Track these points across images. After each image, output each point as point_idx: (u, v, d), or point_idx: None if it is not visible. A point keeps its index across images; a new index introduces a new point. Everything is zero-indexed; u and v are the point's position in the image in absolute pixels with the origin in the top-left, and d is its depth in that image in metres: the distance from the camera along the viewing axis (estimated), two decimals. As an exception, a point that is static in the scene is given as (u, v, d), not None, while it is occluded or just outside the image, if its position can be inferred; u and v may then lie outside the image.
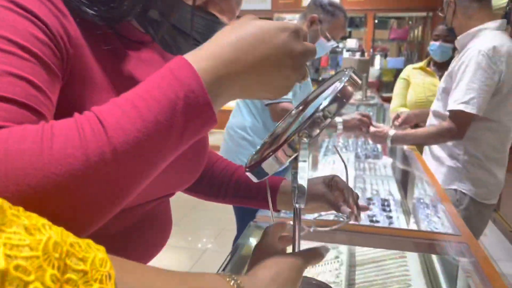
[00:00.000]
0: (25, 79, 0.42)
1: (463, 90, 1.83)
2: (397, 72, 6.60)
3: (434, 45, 2.73)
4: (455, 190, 1.96)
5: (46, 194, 0.36)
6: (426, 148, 2.21)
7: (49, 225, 0.29)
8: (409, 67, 2.96)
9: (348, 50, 6.38)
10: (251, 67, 0.47)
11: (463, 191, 1.95)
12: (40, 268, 0.26)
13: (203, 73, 0.45)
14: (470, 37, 1.90)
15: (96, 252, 0.31)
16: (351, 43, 6.31)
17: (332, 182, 0.80)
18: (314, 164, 2.43)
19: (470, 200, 1.94)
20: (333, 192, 0.79)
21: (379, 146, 2.74)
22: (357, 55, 5.42)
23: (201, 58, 0.46)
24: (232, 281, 0.47)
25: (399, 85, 2.96)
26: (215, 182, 0.87)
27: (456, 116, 1.85)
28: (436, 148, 2.08)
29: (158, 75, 0.44)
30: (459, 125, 1.86)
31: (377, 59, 6.33)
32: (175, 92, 0.43)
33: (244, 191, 0.85)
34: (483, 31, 1.87)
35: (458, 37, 1.97)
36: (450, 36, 2.56)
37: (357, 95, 3.81)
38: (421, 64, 2.90)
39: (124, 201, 0.43)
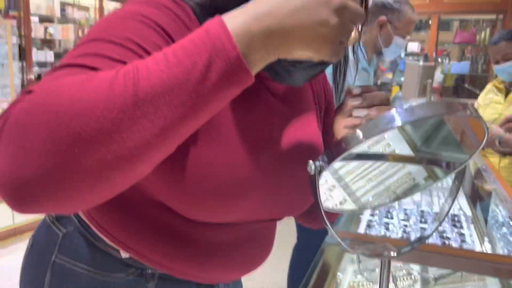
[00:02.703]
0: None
1: None
2: (459, 77, 6.31)
3: (497, 69, 2.45)
4: None
5: (75, 113, 0.40)
6: None
7: None
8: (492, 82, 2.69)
9: (408, 54, 6.16)
10: (284, 19, 0.46)
11: None
12: None
13: (233, 24, 0.45)
14: None
15: None
16: (413, 46, 6.10)
17: None
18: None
19: None
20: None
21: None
22: (421, 61, 5.23)
23: (234, 14, 0.47)
24: None
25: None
26: None
27: None
28: None
29: (193, 32, 0.46)
30: None
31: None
32: (202, 40, 0.44)
33: None
34: None
35: None
36: (510, 52, 2.32)
37: (420, 101, 3.67)
38: (494, 81, 2.63)
39: (149, 143, 0.44)
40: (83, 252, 0.72)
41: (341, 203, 0.64)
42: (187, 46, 0.44)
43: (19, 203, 0.42)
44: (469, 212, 1.80)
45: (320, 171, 0.49)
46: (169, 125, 0.43)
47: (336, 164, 0.61)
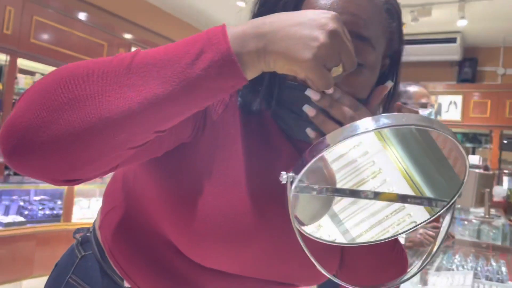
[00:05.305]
0: None
1: None
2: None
3: None
4: None
5: (75, 76, 0.48)
6: None
7: None
8: None
9: (470, 167, 5.96)
10: (279, 29, 0.50)
11: None
12: None
13: (231, 29, 0.50)
14: None
15: None
16: (474, 159, 5.91)
17: None
18: (423, 281, 2.18)
19: None
20: None
21: (503, 268, 2.38)
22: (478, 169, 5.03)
23: (239, 25, 0.52)
24: None
25: None
26: None
27: None
28: None
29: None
30: None
31: (506, 179, 5.78)
32: (201, 36, 0.49)
33: None
34: None
35: None
36: None
37: (478, 211, 3.45)
38: None
39: (130, 110, 0.47)
40: (93, 275, 0.75)
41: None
42: (187, 40, 0.50)
43: (9, 151, 0.46)
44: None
45: (292, 182, 0.49)
46: (151, 97, 0.47)
47: (342, 215, 0.60)
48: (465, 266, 2.48)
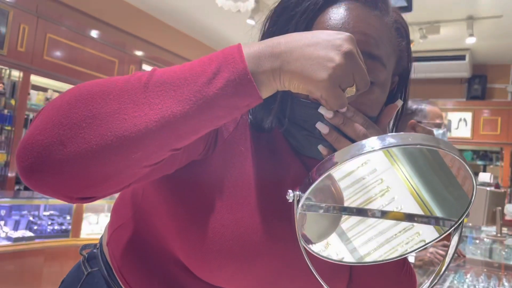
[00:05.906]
0: None
1: None
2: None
3: None
4: None
5: (92, 95, 0.48)
6: None
7: None
8: None
9: (480, 185, 5.88)
10: (294, 49, 0.50)
11: None
12: None
13: (247, 49, 0.50)
14: None
15: None
16: (485, 177, 5.83)
17: None
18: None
19: None
20: None
21: (516, 288, 2.33)
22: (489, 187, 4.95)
23: (254, 43, 0.52)
24: None
25: None
26: None
27: None
28: None
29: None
30: None
31: (517, 198, 5.68)
32: (217, 56, 0.50)
33: None
34: None
35: None
36: None
37: (490, 230, 3.39)
38: None
39: (147, 128, 0.47)
40: None
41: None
42: (203, 59, 0.50)
43: (26, 169, 0.46)
44: None
45: (298, 200, 0.50)
46: (168, 116, 0.47)
47: (350, 233, 0.60)
48: (477, 286, 2.44)
